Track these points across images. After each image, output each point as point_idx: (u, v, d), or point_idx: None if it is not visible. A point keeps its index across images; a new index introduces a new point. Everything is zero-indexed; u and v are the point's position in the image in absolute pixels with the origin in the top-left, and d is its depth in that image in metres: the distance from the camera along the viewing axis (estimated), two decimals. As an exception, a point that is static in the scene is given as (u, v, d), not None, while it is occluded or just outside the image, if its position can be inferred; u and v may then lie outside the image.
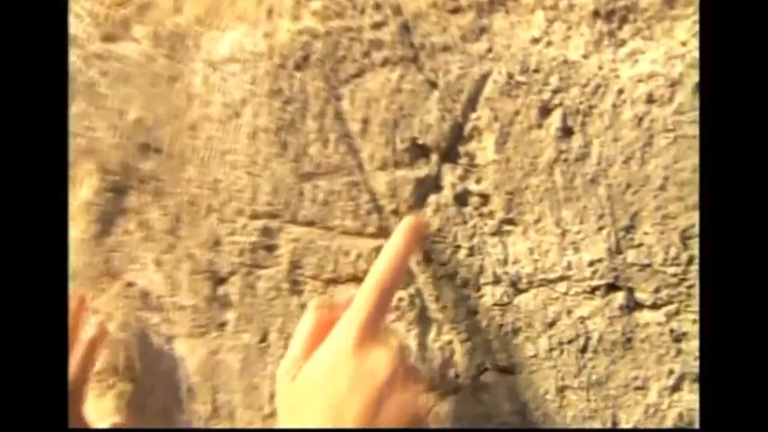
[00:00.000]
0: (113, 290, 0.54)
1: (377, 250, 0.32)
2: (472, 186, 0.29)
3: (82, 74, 0.54)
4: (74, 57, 0.54)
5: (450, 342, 0.30)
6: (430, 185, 0.30)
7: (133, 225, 0.51)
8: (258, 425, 0.41)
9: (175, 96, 0.45)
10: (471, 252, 0.29)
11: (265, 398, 0.40)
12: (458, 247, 0.30)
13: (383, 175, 0.32)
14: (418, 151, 0.30)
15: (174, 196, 0.46)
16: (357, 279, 0.33)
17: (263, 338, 0.39)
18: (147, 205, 0.49)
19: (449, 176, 0.30)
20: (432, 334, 0.31)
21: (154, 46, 0.46)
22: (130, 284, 0.52)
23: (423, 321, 0.31)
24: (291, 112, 0.36)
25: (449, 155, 0.30)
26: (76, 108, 0.55)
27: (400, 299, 0.32)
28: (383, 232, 0.32)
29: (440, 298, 0.30)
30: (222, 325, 0.42)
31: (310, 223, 0.35)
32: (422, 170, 0.30)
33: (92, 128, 0.54)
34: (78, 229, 0.57)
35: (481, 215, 0.29)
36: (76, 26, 0.54)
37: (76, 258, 0.57)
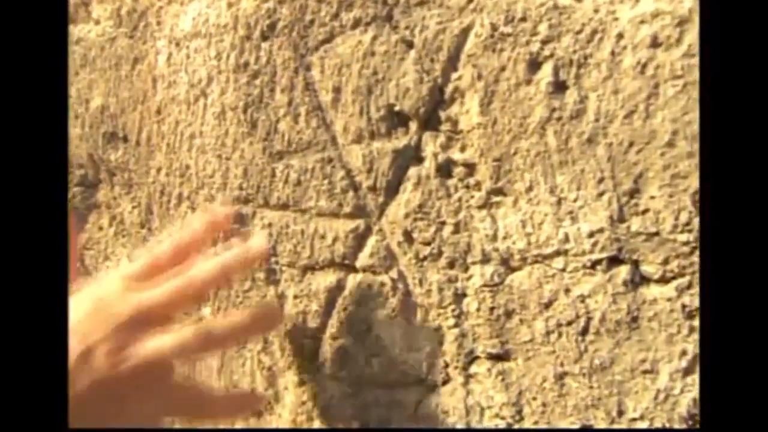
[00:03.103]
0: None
1: (355, 231, 0.29)
2: (456, 155, 0.25)
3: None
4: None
5: (437, 329, 0.27)
6: (409, 156, 0.26)
7: (106, 220, 0.47)
8: (240, 425, 0.37)
9: (138, 79, 0.41)
10: (457, 228, 0.25)
11: (245, 396, 0.36)
12: (443, 223, 0.26)
13: (358, 148, 0.28)
14: (396, 120, 0.27)
15: (144, 187, 0.42)
16: (335, 264, 0.30)
17: (240, 333, 0.36)
18: (118, 198, 0.45)
19: (430, 145, 0.26)
20: (417, 321, 0.27)
21: (114, 26, 0.42)
22: (104, 282, 0.48)
23: (407, 307, 0.28)
24: (259, 86, 0.32)
25: (430, 122, 0.26)
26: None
27: (382, 284, 0.28)
28: (361, 212, 0.28)
29: (425, 280, 0.27)
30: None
31: (283, 207, 0.31)
32: (401, 140, 0.27)
33: (60, 120, 0.50)
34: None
35: (466, 187, 0.25)
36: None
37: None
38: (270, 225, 0.32)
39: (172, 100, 0.37)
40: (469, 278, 0.25)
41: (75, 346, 0.21)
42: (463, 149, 0.25)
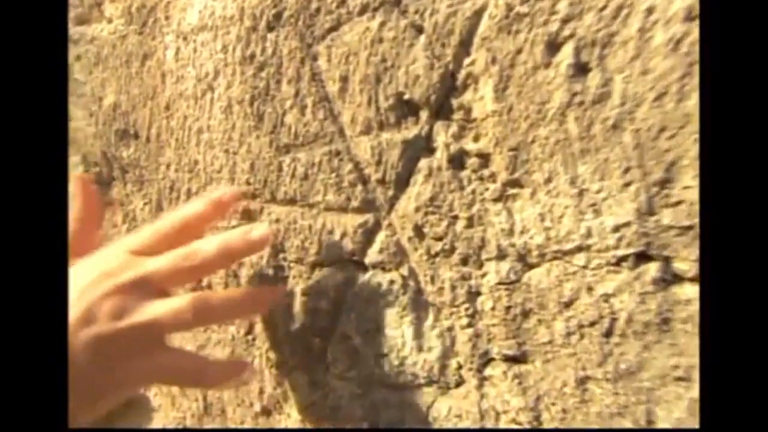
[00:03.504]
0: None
1: (363, 226, 0.27)
2: (470, 145, 0.24)
3: (64, 64, 0.50)
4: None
5: (450, 329, 0.25)
6: (420, 147, 0.25)
7: (120, 217, 0.47)
8: (249, 424, 0.36)
9: (148, 75, 0.40)
10: (470, 222, 0.24)
11: (255, 394, 0.35)
12: (455, 217, 0.24)
13: (367, 140, 0.26)
14: (405, 109, 0.25)
15: (154, 183, 0.41)
16: (342, 260, 0.28)
17: (249, 330, 0.35)
18: (131, 195, 0.45)
19: (442, 135, 0.24)
20: (429, 321, 0.26)
21: (125, 23, 0.41)
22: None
23: (418, 305, 0.26)
24: (265, 78, 0.30)
25: (441, 110, 0.24)
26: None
27: (392, 282, 0.27)
28: (369, 206, 0.27)
29: (437, 278, 0.25)
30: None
31: (290, 201, 0.30)
32: (411, 131, 0.25)
33: (72, 118, 0.50)
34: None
35: (480, 179, 0.23)
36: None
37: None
38: (277, 220, 0.31)
39: (180, 95, 0.36)
40: (483, 275, 0.24)
41: (79, 304, 0.22)
42: (476, 139, 0.23)
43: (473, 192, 0.24)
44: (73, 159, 0.50)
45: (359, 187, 0.27)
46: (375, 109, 0.26)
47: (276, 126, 0.30)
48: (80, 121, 0.48)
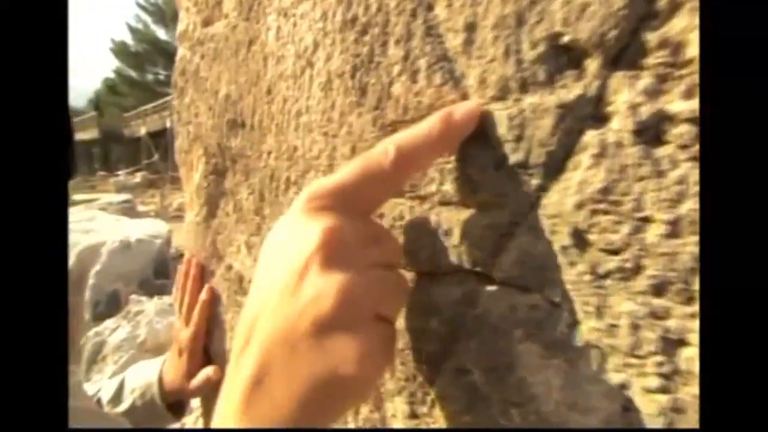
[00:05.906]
0: (219, 272, 0.50)
1: (494, 227, 0.20)
2: (676, 104, 0.14)
3: (190, 63, 0.51)
4: (183, 49, 0.52)
5: (624, 386, 0.16)
6: (585, 114, 0.16)
7: (231, 206, 0.47)
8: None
9: (252, 60, 0.38)
10: (675, 230, 0.15)
11: (350, 413, 0.30)
12: (645, 220, 0.15)
13: (502, 107, 0.19)
14: (563, 58, 0.17)
15: (257, 172, 0.39)
16: (462, 271, 0.21)
17: (347, 339, 0.30)
18: (239, 184, 0.44)
19: (625, 93, 0.15)
20: (589, 370, 0.17)
21: (237, 14, 0.40)
22: (229, 267, 0.48)
23: (572, 346, 0.18)
24: (369, 42, 0.25)
25: (624, 55, 0.15)
26: (187, 98, 0.53)
27: (533, 307, 0.19)
28: (503, 199, 0.19)
29: (606, 309, 0.16)
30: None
31: (398, 192, 0.24)
32: (571, 90, 0.17)
33: (198, 114, 0.51)
34: (193, 212, 0.56)
35: (695, 159, 0.14)
36: (184, 21, 0.51)
37: (193, 241, 0.55)
38: (381, 216, 0.25)
39: (280, 76, 0.33)
40: (695, 315, 0.14)
41: (301, 292, 0.19)
42: (690, 94, 0.14)
43: (682, 181, 0.14)
44: (199, 152, 0.52)
45: (490, 173, 0.19)
46: (515, 64, 0.18)
47: (381, 99, 0.24)
48: (203, 116, 0.48)
